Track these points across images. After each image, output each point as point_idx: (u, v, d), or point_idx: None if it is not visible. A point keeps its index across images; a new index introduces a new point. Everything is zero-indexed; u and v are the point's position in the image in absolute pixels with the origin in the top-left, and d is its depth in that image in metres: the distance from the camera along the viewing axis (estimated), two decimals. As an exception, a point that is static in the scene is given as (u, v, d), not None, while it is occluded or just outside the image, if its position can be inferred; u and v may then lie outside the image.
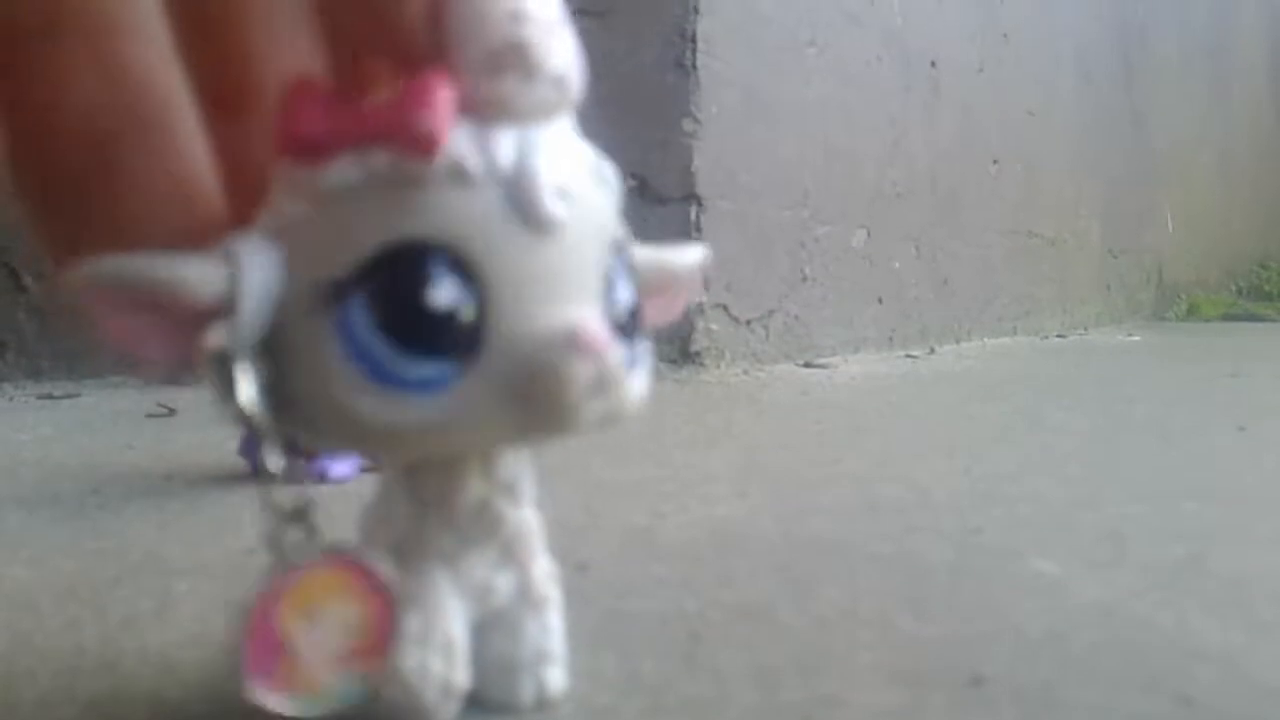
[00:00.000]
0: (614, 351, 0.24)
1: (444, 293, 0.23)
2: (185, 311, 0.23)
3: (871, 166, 1.48)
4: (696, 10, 1.15)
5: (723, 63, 1.19)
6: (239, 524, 0.50)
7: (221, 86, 0.26)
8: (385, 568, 0.26)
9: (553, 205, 0.24)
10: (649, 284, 0.29)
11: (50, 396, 0.92)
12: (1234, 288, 2.93)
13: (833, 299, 1.37)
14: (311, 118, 0.23)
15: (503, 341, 0.23)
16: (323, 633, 0.25)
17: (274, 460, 0.25)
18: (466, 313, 0.23)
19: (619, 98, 1.12)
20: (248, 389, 0.23)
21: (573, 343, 0.23)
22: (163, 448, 0.70)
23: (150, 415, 0.82)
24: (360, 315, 0.23)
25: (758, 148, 1.26)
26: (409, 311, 0.23)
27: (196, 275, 0.23)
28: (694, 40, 1.15)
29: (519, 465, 0.28)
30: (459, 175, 0.23)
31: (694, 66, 1.15)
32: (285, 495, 0.25)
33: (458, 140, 0.23)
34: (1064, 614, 0.37)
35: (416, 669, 0.26)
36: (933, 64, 1.62)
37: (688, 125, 1.15)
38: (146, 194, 0.25)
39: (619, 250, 0.26)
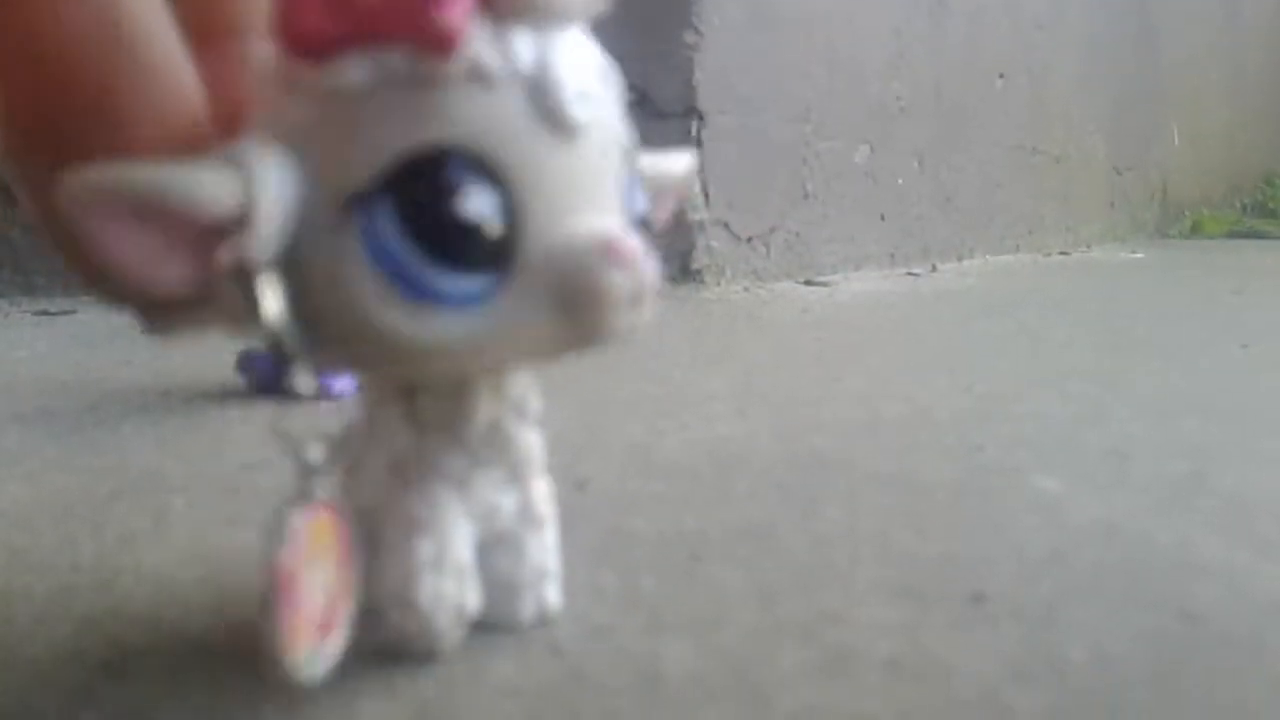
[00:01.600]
0: (649, 261, 0.23)
1: (475, 201, 0.22)
2: (199, 223, 0.21)
3: (875, 80, 1.46)
4: (698, -82, 1.12)
5: (725, -27, 1.16)
6: (236, 440, 0.50)
7: (202, 18, 0.25)
8: (352, 513, 0.25)
9: (577, 108, 0.23)
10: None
11: (46, 313, 0.91)
12: (1239, 205, 2.91)
13: (834, 216, 1.36)
14: (316, 11, 0.21)
15: (538, 252, 0.22)
16: (314, 585, 0.23)
17: (304, 382, 0.23)
18: (499, 222, 0.22)
19: (619, 9, 1.09)
20: (274, 305, 0.21)
21: (612, 253, 0.22)
22: (160, 364, 0.69)
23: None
24: (388, 226, 0.21)
25: (760, 61, 1.24)
26: (440, 221, 0.22)
27: (210, 184, 0.21)
28: (696, -51, 1.12)
29: (527, 383, 0.27)
30: (480, 76, 0.22)
31: (695, -24, 1.12)
32: (307, 421, 0.24)
33: (475, 39, 0.22)
34: (1065, 532, 0.37)
35: (430, 594, 0.26)
36: (940, -26, 1.59)
37: (689, 37, 1.13)
38: (140, 115, 0.23)
39: (630, 156, 0.25)
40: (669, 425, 0.53)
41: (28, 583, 0.32)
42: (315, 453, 0.24)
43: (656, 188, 0.29)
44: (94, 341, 0.79)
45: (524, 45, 0.23)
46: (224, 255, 0.21)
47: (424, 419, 0.26)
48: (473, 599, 0.26)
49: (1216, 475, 0.44)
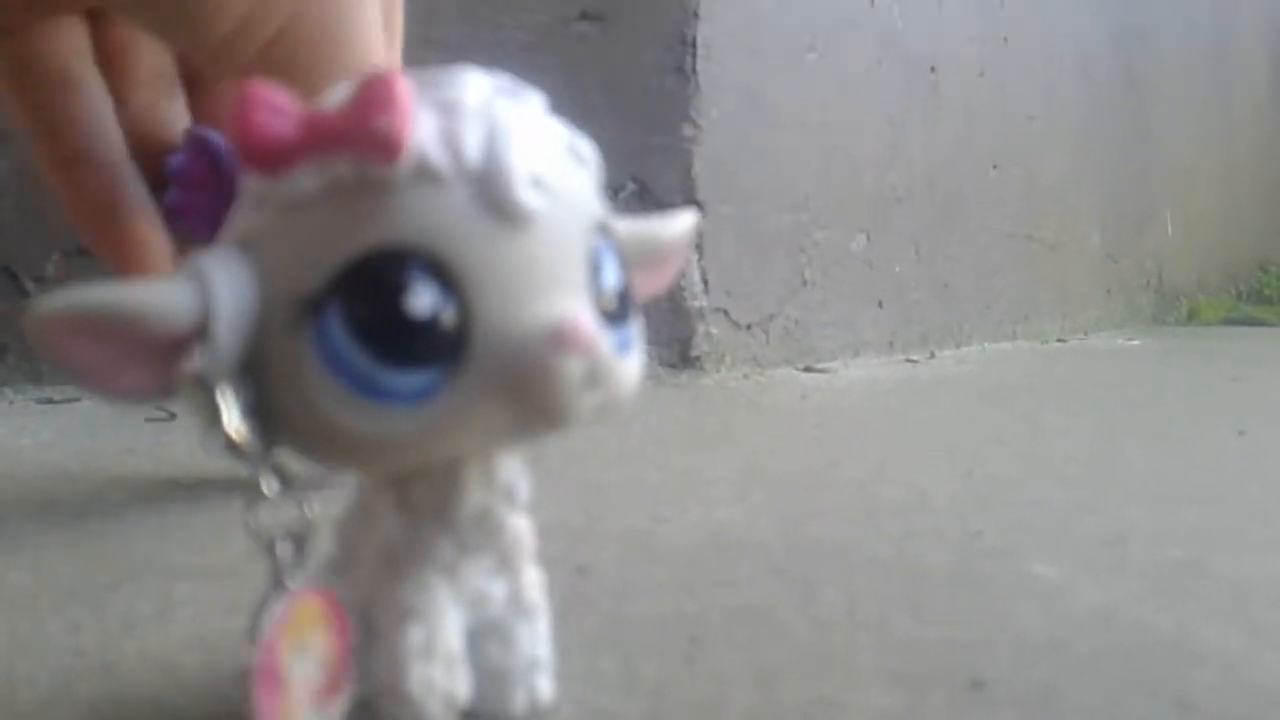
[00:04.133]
0: (603, 343, 0.23)
1: (422, 299, 0.22)
2: (158, 339, 0.22)
3: (871, 170, 1.48)
4: (696, 15, 1.15)
5: (722, 68, 1.19)
6: (239, 528, 0.50)
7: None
8: (348, 602, 0.26)
9: (526, 196, 0.23)
10: (637, 258, 0.28)
11: (50, 401, 0.91)
12: (1234, 292, 2.93)
13: (833, 303, 1.37)
14: (268, 124, 0.23)
15: (488, 343, 0.23)
16: (307, 667, 0.24)
17: (267, 483, 0.24)
18: (447, 317, 0.22)
19: (619, 102, 1.12)
20: (232, 414, 0.23)
21: (560, 339, 0.23)
22: (163, 452, 0.70)
23: (150, 419, 0.82)
24: (338, 328, 0.22)
25: (758, 152, 1.26)
26: (387, 321, 0.22)
27: (167, 300, 0.22)
28: (694, 45, 1.15)
29: (516, 470, 0.28)
30: (426, 175, 0.23)
31: (694, 71, 1.15)
32: (279, 515, 0.25)
33: (422, 138, 0.23)
34: (1064, 618, 0.37)
35: (421, 683, 0.26)
36: (932, 69, 1.62)
37: (687, 130, 1.15)
38: None
39: (603, 230, 0.26)
40: (668, 510, 0.53)
41: (31, 668, 0.32)
42: (285, 547, 0.25)
43: (650, 254, 0.30)
44: (98, 429, 0.79)
45: (473, 137, 0.23)
46: (182, 368, 0.22)
47: (416, 506, 0.26)
48: (463, 687, 0.26)
49: (1214, 562, 0.44)
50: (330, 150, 0.23)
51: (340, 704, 0.25)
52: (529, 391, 0.23)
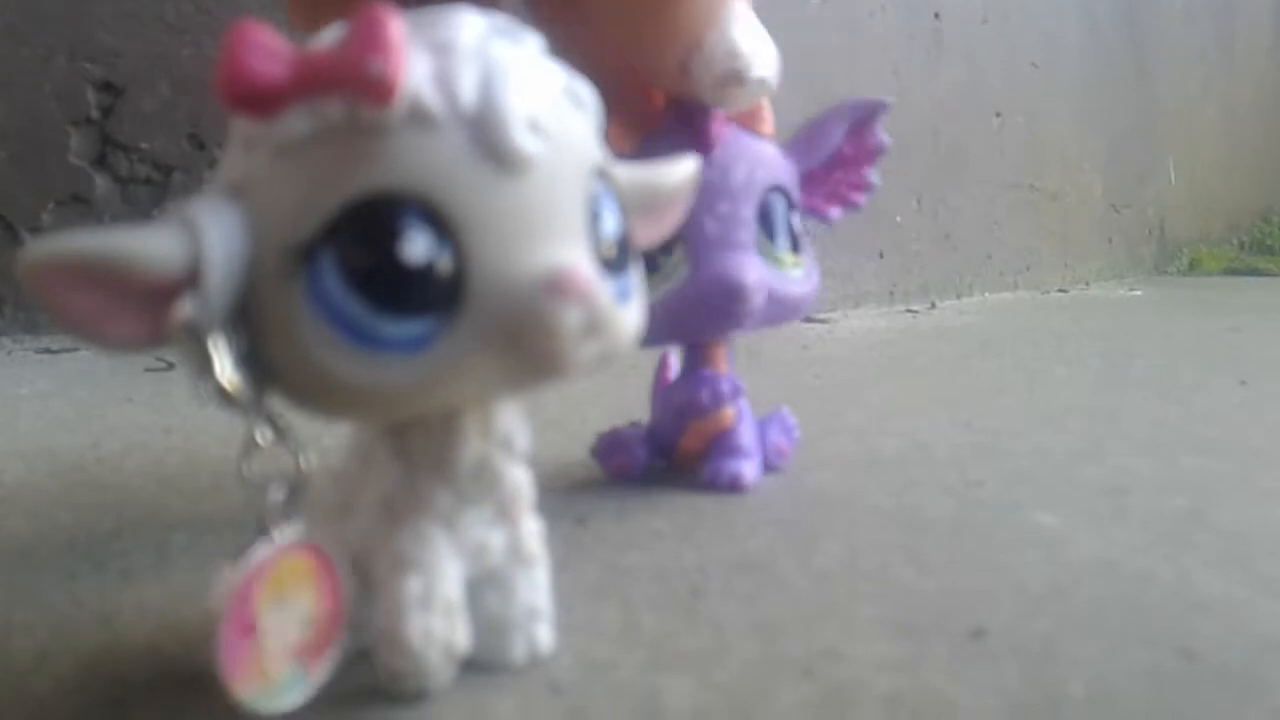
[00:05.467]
0: (602, 291, 0.23)
1: (417, 246, 0.22)
2: (149, 286, 0.22)
3: (874, 119, 1.47)
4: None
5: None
6: (238, 478, 0.50)
7: None
8: (344, 563, 0.26)
9: (523, 140, 0.23)
10: (638, 205, 0.28)
11: (49, 351, 0.91)
12: (1236, 242, 2.92)
13: (833, 253, 1.36)
14: (256, 67, 0.22)
15: (484, 291, 0.22)
16: (286, 621, 0.24)
17: (261, 432, 0.24)
18: (443, 265, 0.22)
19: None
20: (224, 363, 0.22)
21: (558, 287, 0.22)
22: (161, 402, 0.69)
23: (149, 369, 0.81)
24: (332, 276, 0.22)
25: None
26: (382, 268, 0.22)
27: (157, 247, 0.22)
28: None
29: (515, 420, 0.28)
30: (420, 118, 0.22)
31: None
32: (272, 464, 0.25)
33: (416, 80, 0.22)
34: (1065, 568, 0.37)
35: (420, 632, 0.26)
36: (936, 15, 1.61)
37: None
38: None
39: (602, 176, 0.25)
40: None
41: (29, 618, 0.32)
42: (276, 493, 0.25)
43: (651, 201, 0.29)
44: (96, 379, 0.79)
45: (467, 77, 0.23)
46: (174, 316, 0.22)
47: (414, 456, 0.26)
48: (462, 637, 0.26)
49: (1215, 511, 0.44)
50: (322, 92, 0.22)
51: (325, 664, 0.25)
52: (526, 340, 0.22)
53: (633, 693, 0.27)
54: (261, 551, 0.24)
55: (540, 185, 0.23)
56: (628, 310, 0.25)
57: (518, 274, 0.22)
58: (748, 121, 0.45)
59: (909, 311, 1.45)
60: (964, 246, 1.70)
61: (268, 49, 0.22)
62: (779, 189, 0.46)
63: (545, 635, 0.29)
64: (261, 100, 0.22)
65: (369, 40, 0.22)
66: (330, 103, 0.22)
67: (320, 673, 0.25)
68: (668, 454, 0.49)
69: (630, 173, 0.28)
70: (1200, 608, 0.33)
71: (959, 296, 1.66)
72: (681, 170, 0.30)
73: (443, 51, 0.23)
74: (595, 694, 0.27)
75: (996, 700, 0.27)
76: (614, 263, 0.25)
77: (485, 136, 0.22)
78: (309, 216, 0.22)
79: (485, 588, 0.28)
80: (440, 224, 0.22)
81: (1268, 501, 0.46)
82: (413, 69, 0.22)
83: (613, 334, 0.24)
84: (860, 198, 0.51)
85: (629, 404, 0.61)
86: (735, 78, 0.40)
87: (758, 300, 0.44)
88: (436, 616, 0.26)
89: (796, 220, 0.46)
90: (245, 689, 0.23)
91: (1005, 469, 0.52)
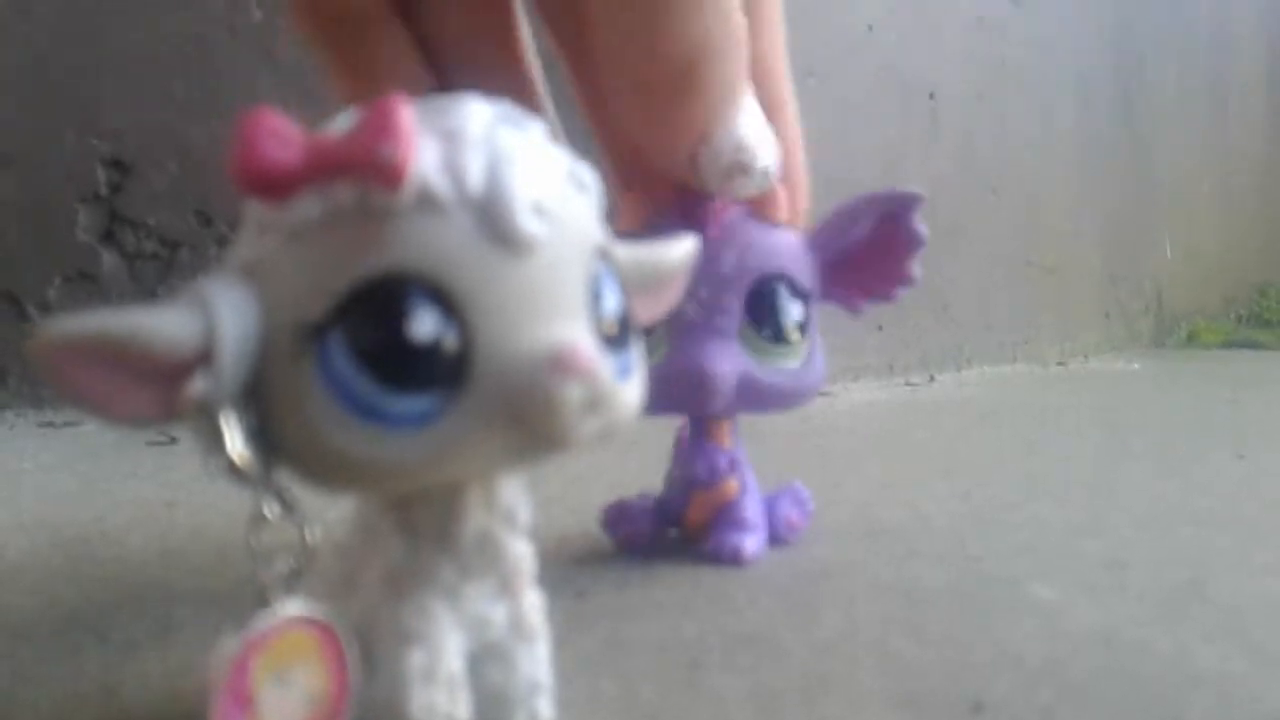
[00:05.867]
0: (603, 368, 0.23)
1: (423, 325, 0.22)
2: (162, 365, 0.22)
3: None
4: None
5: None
6: (242, 551, 0.50)
7: None
8: (348, 639, 0.26)
9: (528, 224, 0.23)
10: (638, 282, 0.29)
11: (51, 424, 0.92)
12: (1234, 315, 2.93)
13: (834, 327, 1.37)
14: (270, 153, 0.23)
15: (488, 368, 0.23)
16: (288, 699, 0.24)
17: (269, 506, 0.24)
18: (448, 343, 0.23)
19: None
20: (235, 440, 0.23)
21: (560, 364, 0.23)
22: (165, 475, 0.70)
23: (151, 443, 0.82)
24: (340, 354, 0.22)
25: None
26: (389, 346, 0.22)
27: (172, 326, 0.22)
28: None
29: (518, 494, 0.28)
30: (429, 203, 0.23)
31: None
32: (279, 538, 0.25)
33: (424, 165, 0.23)
34: (1063, 640, 0.37)
35: (423, 707, 0.26)
36: (931, 95, 1.63)
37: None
38: None
39: (603, 256, 0.26)
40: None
41: (32, 693, 0.32)
42: (281, 565, 0.25)
43: (651, 279, 0.30)
44: (99, 453, 0.79)
45: (475, 165, 0.23)
46: (186, 395, 0.22)
47: (417, 529, 0.26)
48: (464, 711, 0.26)
49: (1214, 584, 0.44)
50: (334, 178, 0.23)
51: None
52: (529, 415, 0.23)
53: (633, 765, 0.27)
54: (263, 622, 0.24)
55: (544, 266, 0.24)
56: (629, 386, 0.26)
57: (521, 351, 0.23)
58: (759, 206, 0.46)
59: (908, 384, 1.46)
60: (962, 320, 1.71)
61: (281, 135, 0.23)
62: (781, 276, 0.46)
63: (546, 709, 0.29)
64: (275, 185, 0.23)
65: (381, 127, 0.22)
66: (341, 188, 0.23)
67: None
68: (678, 524, 0.50)
69: (631, 251, 0.29)
70: (1198, 681, 0.33)
71: (958, 369, 1.67)
72: (679, 249, 0.31)
73: (451, 138, 0.24)
74: (596, 767, 0.27)
75: (995, 772, 0.27)
76: (615, 340, 0.26)
77: (492, 220, 0.23)
78: (320, 297, 0.23)
79: (486, 661, 0.28)
80: (446, 303, 0.23)
81: (1266, 574, 0.46)
82: (422, 155, 0.23)
83: (614, 409, 0.24)
84: (895, 289, 0.51)
85: (630, 478, 0.61)
86: (740, 169, 0.41)
87: (725, 389, 0.44)
88: (439, 690, 0.26)
89: (799, 309, 0.47)
90: None
91: (1004, 541, 0.52)
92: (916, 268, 0.50)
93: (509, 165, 0.24)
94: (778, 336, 0.46)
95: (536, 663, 0.29)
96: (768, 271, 0.46)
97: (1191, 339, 2.59)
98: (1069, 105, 2.09)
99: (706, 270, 0.44)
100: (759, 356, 0.45)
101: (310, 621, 0.25)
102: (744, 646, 0.37)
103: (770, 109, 0.43)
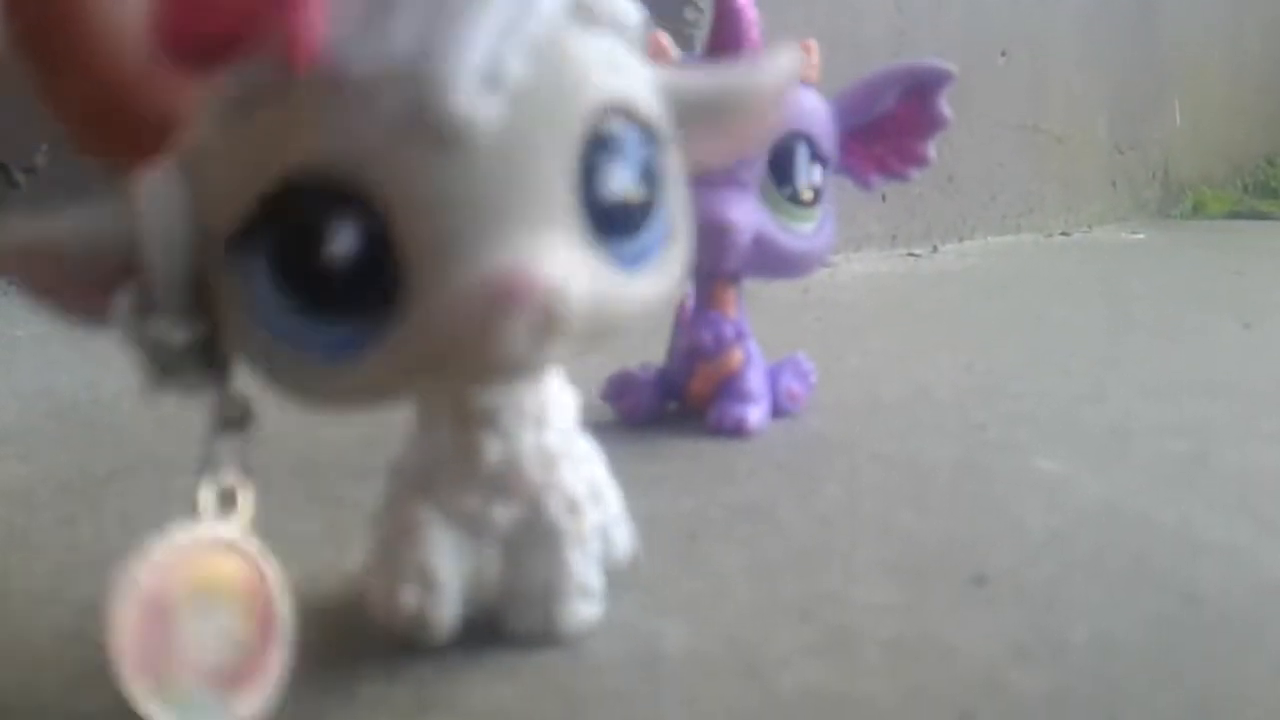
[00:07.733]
0: (573, 284, 0.20)
1: (339, 241, 0.19)
2: (93, 271, 0.20)
3: (877, 58, 1.45)
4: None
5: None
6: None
7: None
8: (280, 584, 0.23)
9: (470, 104, 0.19)
10: (705, 116, 0.24)
11: (45, 293, 0.91)
12: (1241, 184, 2.89)
13: (836, 196, 1.35)
14: (179, 13, 0.19)
15: (420, 294, 0.19)
16: (207, 632, 0.22)
17: (226, 405, 0.23)
18: (370, 262, 0.19)
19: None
20: (176, 338, 0.21)
21: (499, 295, 0.19)
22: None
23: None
24: (260, 271, 0.20)
25: (762, 38, 1.23)
26: (303, 266, 0.19)
27: (88, 233, 0.20)
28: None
29: (505, 397, 0.25)
30: (345, 83, 0.19)
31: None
32: (235, 448, 0.24)
33: (344, 36, 0.19)
34: (1067, 512, 0.37)
35: (411, 599, 0.25)
36: (941, -48, 1.58)
37: (689, 14, 1.13)
38: None
39: (618, 113, 0.21)
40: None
41: (24, 561, 0.32)
42: (227, 478, 0.24)
43: (732, 107, 0.25)
44: (93, 321, 0.78)
45: (403, 27, 0.19)
46: (122, 295, 0.21)
47: (466, 413, 0.25)
48: (440, 606, 0.25)
49: (1218, 455, 0.44)
50: (242, 47, 0.19)
51: (253, 702, 0.22)
52: (465, 351, 0.20)
53: (631, 636, 0.27)
54: (186, 534, 0.22)
55: (495, 158, 0.19)
56: (639, 277, 0.22)
57: (457, 274, 0.19)
58: None
59: (911, 255, 1.44)
60: (967, 189, 1.68)
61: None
62: (804, 136, 0.45)
63: (566, 612, 0.26)
64: (186, 47, 0.20)
65: None
66: (258, 62, 0.19)
67: (247, 709, 0.22)
68: (679, 396, 0.49)
69: (699, 80, 0.24)
70: (1203, 552, 0.33)
71: (961, 240, 1.65)
72: (771, 70, 0.25)
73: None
74: (593, 637, 0.27)
75: (998, 645, 0.27)
76: (625, 221, 0.21)
77: (419, 102, 0.19)
78: (233, 203, 0.20)
79: (503, 560, 0.27)
80: (368, 214, 0.19)
81: (1272, 444, 0.46)
82: (340, 20, 0.19)
83: (609, 310, 0.21)
84: (910, 170, 0.49)
85: (631, 348, 0.60)
86: None
87: (743, 239, 0.43)
88: (408, 585, 0.25)
89: (818, 173, 0.45)
90: (139, 684, 0.21)
91: (1007, 413, 0.52)
92: (932, 150, 0.48)
93: (450, 20, 0.19)
94: (795, 197, 0.45)
95: (555, 566, 0.26)
96: (794, 129, 0.45)
97: (1197, 209, 2.56)
98: (1081, -36, 2.03)
99: None
100: (776, 214, 0.44)
101: (242, 555, 0.23)
102: (743, 518, 0.36)
103: None
